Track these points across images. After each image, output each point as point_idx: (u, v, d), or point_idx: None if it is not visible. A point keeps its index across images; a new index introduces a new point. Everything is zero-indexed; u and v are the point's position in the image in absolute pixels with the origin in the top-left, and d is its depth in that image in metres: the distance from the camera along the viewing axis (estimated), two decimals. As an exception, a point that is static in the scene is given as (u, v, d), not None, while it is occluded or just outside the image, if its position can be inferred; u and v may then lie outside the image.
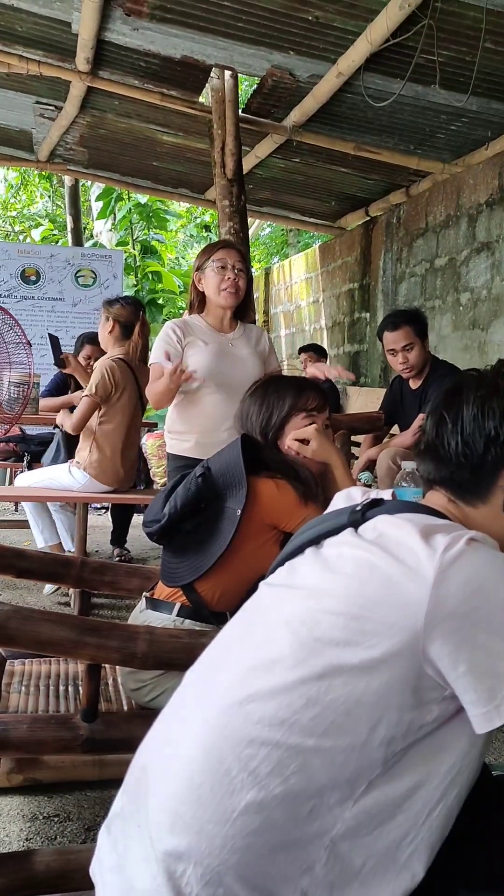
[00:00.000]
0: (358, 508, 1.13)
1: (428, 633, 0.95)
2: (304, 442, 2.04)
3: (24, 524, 5.06)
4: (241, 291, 2.99)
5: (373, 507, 1.12)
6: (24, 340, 3.95)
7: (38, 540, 4.15)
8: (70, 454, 4.35)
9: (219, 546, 1.90)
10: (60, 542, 4.12)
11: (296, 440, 2.03)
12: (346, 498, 1.30)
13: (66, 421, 3.80)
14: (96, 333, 4.13)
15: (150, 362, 3.01)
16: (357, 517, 1.11)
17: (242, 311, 3.09)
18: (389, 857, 0.97)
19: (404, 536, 1.02)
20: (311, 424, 2.06)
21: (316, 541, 1.15)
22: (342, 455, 2.16)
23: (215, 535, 1.92)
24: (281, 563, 1.20)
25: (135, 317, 3.99)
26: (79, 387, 3.99)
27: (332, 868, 0.95)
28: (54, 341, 3.98)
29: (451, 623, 0.95)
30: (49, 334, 4.03)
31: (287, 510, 1.94)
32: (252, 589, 1.24)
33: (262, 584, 1.20)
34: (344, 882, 0.96)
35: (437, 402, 1.18)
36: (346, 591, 1.02)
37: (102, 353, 4.05)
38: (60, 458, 4.37)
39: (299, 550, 1.17)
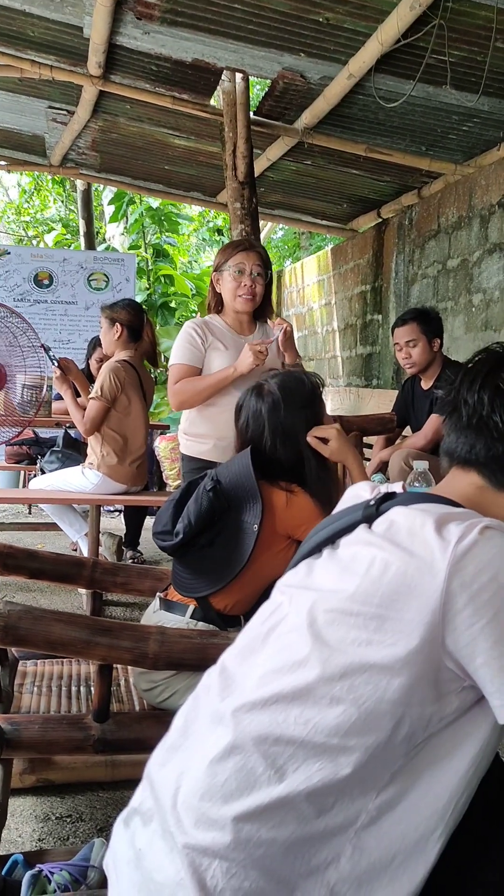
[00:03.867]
0: (371, 503, 1.12)
1: (445, 626, 0.95)
2: (324, 441, 2.04)
3: (37, 526, 5.09)
4: (259, 297, 2.96)
5: (386, 501, 1.11)
6: (37, 344, 3.97)
7: (70, 535, 4.20)
8: (70, 456, 4.39)
9: (238, 561, 1.89)
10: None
11: (315, 437, 2.03)
12: (353, 495, 1.30)
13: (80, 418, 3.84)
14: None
15: (171, 363, 3.00)
16: (371, 512, 1.11)
17: (261, 312, 3.07)
18: (420, 851, 0.97)
19: (417, 528, 1.02)
20: (333, 424, 2.07)
21: (331, 539, 1.15)
22: (360, 458, 2.16)
23: (233, 550, 1.90)
24: (297, 564, 1.19)
25: (140, 320, 4.02)
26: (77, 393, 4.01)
27: (359, 862, 0.96)
28: (46, 351, 4.01)
29: (467, 614, 0.94)
30: (42, 345, 4.06)
31: (300, 520, 1.93)
32: (265, 593, 1.23)
33: (279, 584, 1.20)
34: (372, 876, 0.96)
35: (487, 371, 1.13)
36: (363, 590, 1.02)
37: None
38: (60, 458, 4.41)
39: (316, 550, 1.16)
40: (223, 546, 1.92)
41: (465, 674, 0.96)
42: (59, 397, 4.71)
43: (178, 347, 2.97)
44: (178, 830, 1.00)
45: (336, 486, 2.07)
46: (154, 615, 2.02)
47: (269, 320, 3.10)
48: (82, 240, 9.64)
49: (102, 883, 1.61)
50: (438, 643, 0.95)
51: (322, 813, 0.96)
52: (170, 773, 1.07)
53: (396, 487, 1.22)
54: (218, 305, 3.05)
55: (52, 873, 1.64)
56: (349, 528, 1.13)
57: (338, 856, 0.95)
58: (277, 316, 2.97)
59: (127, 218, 9.92)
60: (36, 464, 5.07)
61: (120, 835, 1.08)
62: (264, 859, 0.95)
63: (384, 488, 1.24)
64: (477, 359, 1.17)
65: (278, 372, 2.20)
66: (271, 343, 2.89)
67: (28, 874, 1.61)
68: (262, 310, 3.05)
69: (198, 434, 2.99)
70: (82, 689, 2.05)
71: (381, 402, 5.49)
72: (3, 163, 7.46)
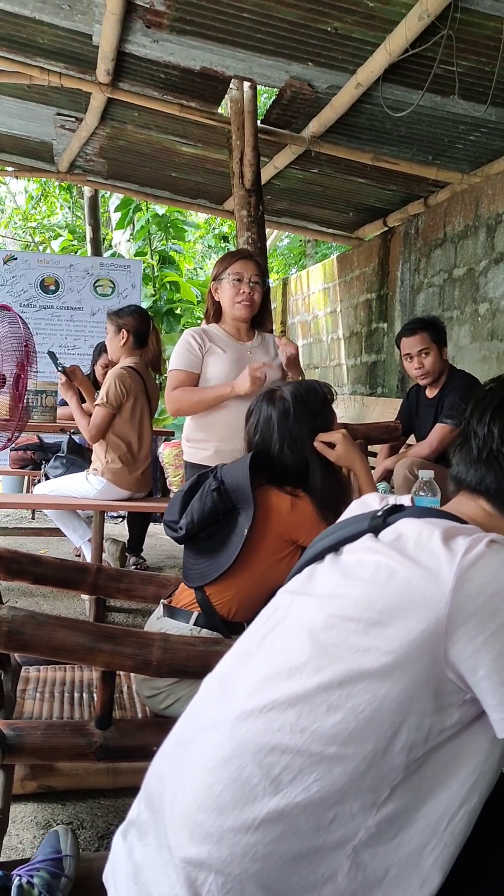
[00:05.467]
0: (379, 514, 1.12)
1: (448, 637, 0.94)
2: (331, 446, 2.04)
3: (40, 532, 5.09)
4: (256, 305, 3.00)
5: (394, 513, 1.11)
6: (26, 347, 3.94)
7: (74, 541, 4.20)
8: (74, 462, 4.39)
9: (225, 560, 1.91)
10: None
11: (322, 442, 2.04)
12: (361, 505, 1.29)
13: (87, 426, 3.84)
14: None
15: (170, 369, 3.02)
16: (378, 522, 1.11)
17: (259, 320, 3.11)
18: (412, 865, 0.96)
19: (425, 539, 1.01)
20: (340, 430, 2.07)
21: (335, 547, 1.14)
22: (367, 463, 2.16)
23: (224, 548, 1.93)
24: (300, 570, 1.19)
25: (146, 326, 4.02)
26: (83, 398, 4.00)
27: (355, 877, 0.94)
28: (52, 357, 4.01)
29: (471, 626, 0.94)
30: (48, 352, 4.06)
31: (304, 525, 1.93)
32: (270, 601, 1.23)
33: (280, 591, 1.19)
34: (367, 891, 0.95)
35: (497, 403, 1.13)
36: (366, 596, 1.02)
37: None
38: (65, 464, 4.40)
39: (319, 557, 1.16)
40: (219, 542, 1.94)
41: (466, 686, 0.95)
42: (64, 403, 4.72)
43: (176, 354, 3.00)
44: (173, 843, 0.99)
45: (343, 492, 2.07)
46: (157, 622, 2.02)
47: (275, 338, 3.11)
48: (89, 246, 9.67)
49: (80, 870, 1.58)
50: (440, 653, 0.95)
51: (320, 828, 0.95)
52: (166, 784, 1.06)
53: (405, 500, 1.22)
54: (216, 314, 3.07)
55: (31, 877, 1.60)
56: (354, 537, 1.13)
57: (335, 872, 0.94)
58: (282, 334, 3.00)
59: (133, 224, 9.95)
60: (40, 469, 5.07)
61: (118, 848, 1.08)
62: (261, 874, 0.94)
63: (392, 500, 1.24)
64: (487, 388, 1.17)
65: (291, 381, 2.21)
66: (273, 368, 2.89)
67: (14, 886, 1.57)
68: (260, 318, 3.10)
69: (199, 440, 3.01)
70: (85, 695, 2.04)
71: (386, 410, 5.49)
72: (10, 169, 7.48)
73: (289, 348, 2.96)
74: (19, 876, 1.58)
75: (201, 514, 1.93)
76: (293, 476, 2.01)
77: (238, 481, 1.93)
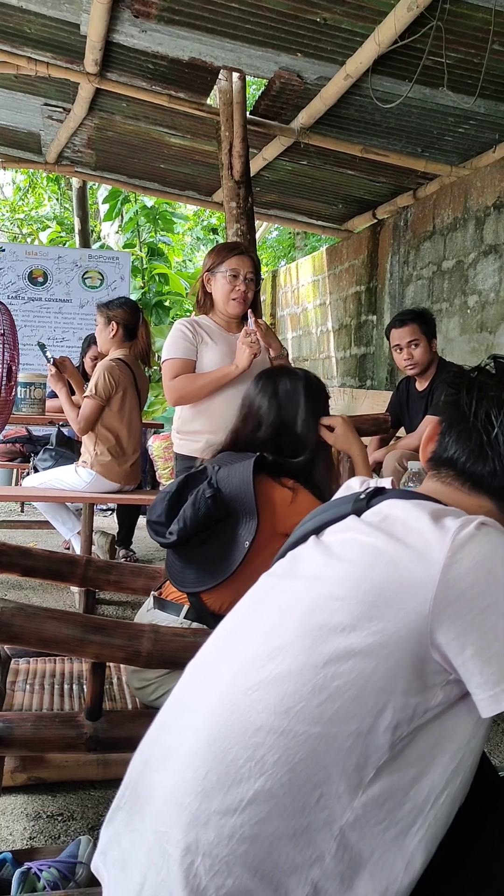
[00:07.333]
0: (362, 497, 1.12)
1: (436, 616, 0.94)
2: (330, 429, 2.05)
3: (30, 524, 5.08)
4: (249, 301, 3.02)
5: (376, 496, 1.11)
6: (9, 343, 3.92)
7: (63, 533, 4.19)
8: (63, 454, 4.39)
9: (224, 571, 1.87)
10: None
11: (322, 425, 2.05)
12: (345, 489, 1.30)
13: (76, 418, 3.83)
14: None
15: (164, 359, 3.01)
16: (361, 505, 1.10)
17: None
18: (397, 847, 0.96)
19: (412, 520, 1.02)
20: (340, 415, 2.09)
21: (318, 530, 1.15)
22: (364, 448, 2.18)
23: (222, 559, 1.88)
24: (283, 555, 1.19)
25: (136, 318, 4.01)
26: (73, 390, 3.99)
27: (342, 858, 0.94)
28: (42, 348, 3.99)
29: (460, 606, 0.94)
30: (38, 343, 4.05)
31: (301, 519, 1.92)
32: None
33: (263, 576, 1.19)
34: (354, 873, 0.95)
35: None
36: (351, 576, 1.02)
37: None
38: (54, 456, 4.40)
39: (302, 540, 1.16)
40: (214, 549, 1.90)
41: (451, 667, 0.96)
42: (54, 395, 4.70)
43: (170, 344, 2.99)
44: (160, 828, 0.99)
45: (336, 481, 2.08)
46: (148, 614, 2.01)
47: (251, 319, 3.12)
48: (77, 238, 9.62)
49: (91, 880, 1.60)
50: (426, 632, 0.95)
51: (306, 809, 0.95)
52: (152, 769, 1.06)
53: (386, 483, 1.22)
54: (207, 305, 3.07)
55: (40, 871, 1.64)
56: (337, 520, 1.13)
57: (322, 853, 0.94)
58: (272, 326, 3.04)
59: (122, 216, 9.92)
60: (29, 462, 5.06)
61: (106, 835, 1.08)
62: (248, 855, 0.94)
63: (373, 483, 1.24)
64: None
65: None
66: (253, 332, 2.91)
67: (17, 872, 1.61)
68: (251, 309, 3.10)
69: (190, 432, 3.01)
70: (75, 687, 2.04)
71: (376, 402, 5.50)
72: (-2, 160, 7.44)
73: (254, 319, 2.98)
74: (30, 866, 1.61)
75: (195, 521, 1.87)
76: (297, 460, 2.00)
77: (239, 491, 1.87)
